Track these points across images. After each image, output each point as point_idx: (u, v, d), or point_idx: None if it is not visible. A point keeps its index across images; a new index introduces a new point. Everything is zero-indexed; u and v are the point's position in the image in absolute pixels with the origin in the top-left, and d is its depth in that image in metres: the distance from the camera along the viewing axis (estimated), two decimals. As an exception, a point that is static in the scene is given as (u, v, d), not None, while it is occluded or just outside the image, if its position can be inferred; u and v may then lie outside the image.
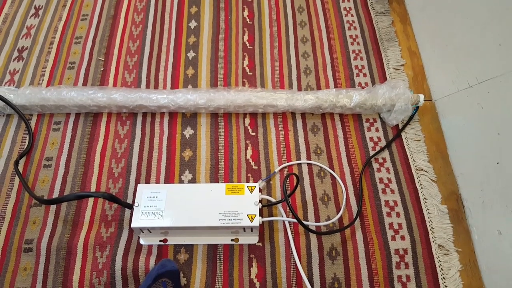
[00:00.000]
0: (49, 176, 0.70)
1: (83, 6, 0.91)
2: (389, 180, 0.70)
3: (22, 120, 0.75)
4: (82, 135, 0.74)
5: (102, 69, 0.82)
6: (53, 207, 0.67)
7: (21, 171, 0.70)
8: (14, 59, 0.83)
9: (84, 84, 0.80)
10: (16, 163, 0.70)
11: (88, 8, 0.91)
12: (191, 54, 0.84)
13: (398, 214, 0.67)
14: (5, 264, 0.62)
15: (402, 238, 0.65)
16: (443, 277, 0.62)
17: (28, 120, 0.75)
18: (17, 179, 0.69)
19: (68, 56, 0.84)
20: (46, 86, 0.79)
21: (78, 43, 0.85)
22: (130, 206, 0.62)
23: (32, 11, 0.91)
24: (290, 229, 0.64)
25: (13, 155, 0.72)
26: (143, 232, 0.62)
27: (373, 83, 0.80)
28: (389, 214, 0.66)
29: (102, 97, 0.73)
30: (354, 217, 0.65)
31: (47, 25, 0.88)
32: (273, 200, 0.66)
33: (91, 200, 0.68)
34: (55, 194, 0.68)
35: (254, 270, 0.62)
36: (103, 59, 0.83)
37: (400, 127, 0.74)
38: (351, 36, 0.86)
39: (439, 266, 0.63)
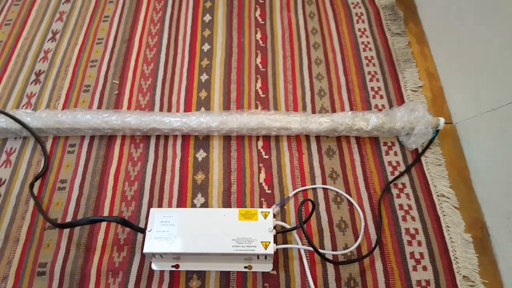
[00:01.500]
0: (63, 198, 0.70)
1: (98, 30, 0.92)
2: (410, 206, 0.67)
3: (38, 143, 0.76)
4: (96, 157, 0.74)
5: (116, 92, 0.82)
6: (66, 231, 0.67)
7: (36, 194, 0.70)
8: (31, 82, 0.85)
9: (99, 106, 0.80)
10: (32, 185, 0.70)
11: (103, 32, 0.92)
12: (204, 77, 0.84)
13: (419, 243, 0.64)
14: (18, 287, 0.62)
15: (424, 268, 0.62)
16: (469, 311, 0.59)
17: (44, 143, 0.75)
18: (32, 202, 0.70)
19: (84, 79, 0.85)
20: (62, 109, 0.80)
21: (93, 67, 0.86)
22: (143, 231, 0.61)
23: (50, 35, 0.93)
24: (306, 257, 0.62)
25: (28, 177, 0.72)
26: (155, 257, 0.61)
27: (390, 105, 0.78)
28: (410, 243, 0.64)
29: (116, 120, 0.73)
30: (373, 246, 0.63)
31: (63, 49, 0.90)
32: (287, 226, 0.64)
33: (104, 224, 0.67)
34: (69, 217, 0.68)
35: (268, 300, 0.60)
36: (118, 82, 0.84)
37: (420, 151, 0.72)
38: (366, 58, 0.85)
39: (465, 299, 0.59)
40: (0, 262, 0.64)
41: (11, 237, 0.66)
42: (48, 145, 0.76)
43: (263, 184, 0.70)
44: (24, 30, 0.94)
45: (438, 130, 0.71)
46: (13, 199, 0.70)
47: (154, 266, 0.63)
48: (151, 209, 0.62)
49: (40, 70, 0.87)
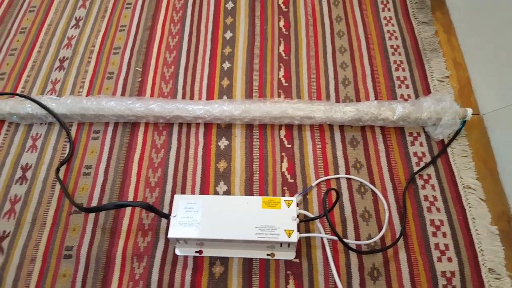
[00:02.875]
0: (88, 184, 0.71)
1: (121, 17, 0.93)
2: (435, 198, 0.66)
3: (63, 129, 0.77)
4: (120, 144, 0.75)
5: (139, 79, 0.83)
6: (92, 215, 0.68)
7: (61, 179, 0.71)
8: (55, 69, 0.86)
9: (122, 94, 0.81)
10: (57, 170, 0.71)
11: (126, 19, 0.92)
12: (226, 65, 0.84)
13: (444, 234, 0.63)
14: (45, 270, 0.64)
15: (449, 259, 0.61)
16: (494, 303, 0.58)
17: (69, 129, 0.77)
18: (58, 186, 0.71)
19: (107, 66, 0.85)
20: (86, 96, 0.81)
21: (116, 54, 0.87)
22: (167, 216, 0.62)
23: (73, 22, 0.93)
24: (329, 246, 0.62)
25: (54, 162, 0.74)
26: (179, 243, 0.62)
27: (416, 95, 0.77)
28: (434, 234, 0.63)
29: (140, 107, 0.73)
30: (397, 236, 0.62)
31: (87, 36, 0.91)
32: (310, 215, 0.64)
33: (128, 209, 0.68)
34: (94, 202, 0.69)
35: (291, 287, 0.60)
36: (141, 70, 0.84)
37: (446, 142, 0.71)
38: (392, 46, 0.83)
39: (490, 292, 0.59)
40: (28, 244, 0.66)
41: (38, 220, 0.68)
42: (73, 131, 0.77)
43: (286, 173, 0.70)
44: (48, 17, 0.95)
45: (465, 121, 0.70)
46: (40, 183, 0.71)
47: (178, 251, 0.64)
48: (175, 196, 0.63)
49: (64, 57, 0.88)
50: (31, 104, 0.76)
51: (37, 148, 0.75)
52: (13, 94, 0.80)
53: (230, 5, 0.93)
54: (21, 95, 0.78)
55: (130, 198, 0.69)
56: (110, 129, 0.77)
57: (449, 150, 0.71)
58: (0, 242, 0.66)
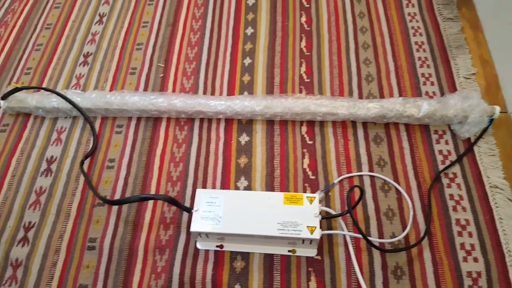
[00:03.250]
0: (112, 177, 0.72)
1: (144, 14, 0.94)
2: (461, 197, 0.65)
3: (87, 123, 0.78)
4: (143, 138, 0.76)
5: (161, 75, 0.84)
6: (115, 208, 0.69)
7: (85, 171, 0.72)
8: (80, 64, 0.87)
9: (145, 89, 0.82)
10: (82, 163, 0.72)
11: (148, 15, 0.93)
12: (247, 61, 0.84)
13: (470, 234, 0.62)
14: (69, 260, 0.65)
15: (475, 260, 0.60)
16: (522, 305, 0.57)
17: (93, 123, 0.78)
18: (82, 179, 0.72)
19: (130, 62, 0.86)
20: (109, 91, 0.82)
21: (139, 50, 0.88)
22: (189, 210, 0.63)
23: (97, 18, 0.95)
24: (352, 244, 0.62)
25: (78, 155, 0.75)
26: (200, 237, 0.62)
27: (442, 92, 0.75)
28: (460, 234, 0.62)
29: (163, 102, 0.74)
30: (422, 236, 0.61)
31: (110, 32, 0.92)
32: (333, 212, 0.64)
33: (151, 202, 0.69)
34: (117, 195, 0.70)
35: (313, 284, 0.60)
36: (163, 65, 0.85)
37: (473, 140, 0.69)
38: (416, 43, 0.82)
39: (517, 293, 0.58)
40: (52, 235, 0.67)
41: (63, 212, 0.69)
42: (96, 125, 0.78)
43: (307, 170, 0.70)
44: (72, 13, 0.97)
45: (492, 119, 0.68)
46: (64, 176, 0.73)
47: (199, 245, 0.64)
48: (198, 190, 0.63)
49: (88, 52, 0.89)
50: (57, 98, 0.77)
51: (62, 141, 0.77)
52: (39, 88, 0.81)
53: (251, 1, 0.93)
54: (47, 89, 0.80)
55: (152, 191, 0.70)
56: (133, 123, 0.78)
57: (475, 148, 0.69)
58: (26, 232, 0.68)
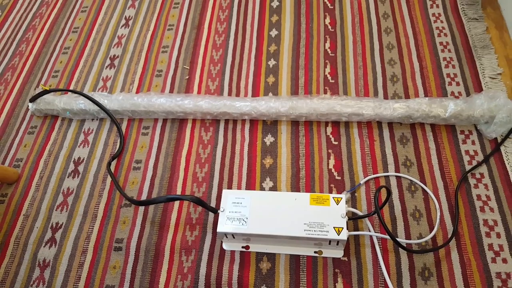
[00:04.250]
0: (138, 178, 0.73)
1: (169, 17, 0.95)
2: (488, 197, 0.64)
3: (114, 124, 0.80)
4: (169, 139, 0.77)
5: (187, 77, 0.85)
6: (141, 208, 0.70)
7: (112, 172, 0.74)
8: (106, 67, 0.89)
9: (171, 91, 0.83)
10: (109, 164, 0.74)
11: (174, 18, 0.95)
12: (271, 62, 0.84)
13: (498, 235, 0.61)
14: (96, 261, 0.66)
15: (504, 260, 0.59)
16: (552, 307, 0.56)
17: (119, 124, 0.79)
18: (109, 180, 0.74)
19: (156, 64, 0.88)
20: (136, 93, 0.84)
21: (165, 52, 0.89)
22: (215, 211, 0.63)
23: (123, 21, 0.97)
24: (379, 245, 0.62)
25: (105, 157, 0.76)
26: (226, 237, 0.63)
27: (467, 92, 0.75)
28: (488, 234, 0.61)
29: (188, 104, 0.75)
30: (449, 236, 0.61)
31: (136, 35, 0.94)
32: (359, 213, 0.64)
33: (177, 203, 0.70)
34: (144, 196, 0.71)
35: (340, 286, 0.60)
36: (188, 68, 0.86)
37: (499, 141, 0.69)
38: (441, 43, 0.81)
39: (548, 294, 0.57)
40: (79, 236, 0.68)
41: (90, 213, 0.70)
42: (123, 127, 0.79)
43: (333, 170, 0.70)
44: (99, 17, 0.99)
45: (520, 120, 0.68)
46: (91, 177, 0.74)
47: (225, 246, 0.65)
48: (224, 191, 0.64)
49: (114, 55, 0.91)
50: (84, 100, 0.79)
51: (89, 143, 0.78)
52: (67, 90, 0.83)
53: (275, 3, 0.94)
54: (74, 91, 0.81)
55: (178, 192, 0.71)
56: (159, 125, 0.79)
57: (502, 148, 0.69)
58: (53, 233, 0.69)
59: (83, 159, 0.76)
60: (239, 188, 0.70)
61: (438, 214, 0.64)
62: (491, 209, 0.64)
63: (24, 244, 0.68)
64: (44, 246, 0.68)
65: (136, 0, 1.00)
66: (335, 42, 0.85)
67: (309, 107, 0.72)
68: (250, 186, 0.70)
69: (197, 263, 0.63)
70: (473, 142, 0.70)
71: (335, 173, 0.70)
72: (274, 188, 0.69)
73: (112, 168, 0.74)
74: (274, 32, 0.89)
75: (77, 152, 0.78)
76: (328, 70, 0.82)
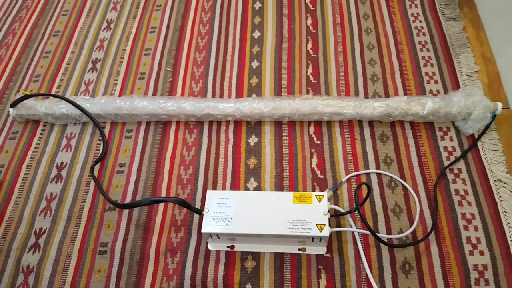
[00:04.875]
0: (122, 181, 0.73)
1: (151, 19, 0.95)
2: (466, 192, 0.66)
3: (96, 128, 0.79)
4: (152, 142, 0.77)
5: (170, 79, 0.85)
6: (126, 212, 0.70)
7: (96, 177, 0.73)
8: (88, 70, 0.89)
9: (154, 93, 0.83)
10: (92, 168, 0.73)
11: (156, 20, 0.95)
12: (255, 64, 0.85)
13: (476, 228, 0.63)
14: (81, 265, 0.66)
15: (481, 253, 0.61)
16: (529, 296, 0.58)
17: (102, 128, 0.79)
18: (92, 184, 0.73)
19: (139, 67, 0.88)
20: (118, 96, 0.83)
21: (147, 55, 0.89)
22: (200, 212, 0.64)
23: (105, 24, 0.96)
24: (360, 240, 0.63)
25: (88, 161, 0.76)
26: (211, 238, 0.63)
27: (445, 90, 0.77)
28: (466, 228, 0.63)
29: (172, 106, 0.75)
30: (428, 230, 0.63)
31: (118, 38, 0.93)
32: (341, 210, 0.65)
33: (161, 205, 0.70)
34: (128, 199, 0.71)
35: (323, 282, 0.61)
36: (171, 70, 0.86)
37: (476, 136, 0.71)
38: (420, 42, 0.83)
39: (524, 285, 0.59)
40: (64, 241, 0.68)
41: (73, 217, 0.70)
42: (106, 130, 0.79)
43: (315, 169, 0.71)
44: (80, 20, 0.98)
45: (495, 115, 0.70)
46: (74, 181, 0.74)
47: (210, 247, 0.65)
48: (208, 192, 0.64)
49: (96, 58, 0.90)
50: (66, 104, 0.79)
51: (72, 147, 0.78)
52: (48, 94, 0.82)
53: (257, 5, 0.95)
54: (56, 96, 0.81)
55: (163, 194, 0.71)
56: (143, 128, 0.79)
57: (479, 144, 0.70)
58: (37, 239, 0.69)
59: (66, 164, 0.76)
60: (223, 189, 0.70)
61: (418, 209, 0.65)
62: (469, 203, 0.65)
63: (7, 251, 0.68)
64: (27, 252, 0.67)
65: (118, 2, 1.00)
66: (317, 43, 0.86)
67: (291, 108, 0.73)
68: (234, 187, 0.71)
69: (182, 264, 0.64)
70: (451, 139, 0.72)
71: (318, 172, 0.71)
72: (258, 188, 0.70)
73: (96, 172, 0.74)
74: (257, 34, 0.90)
75: (59, 157, 0.77)
76: (310, 70, 0.83)
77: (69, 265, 0.66)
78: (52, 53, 0.92)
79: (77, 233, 0.68)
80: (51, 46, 0.94)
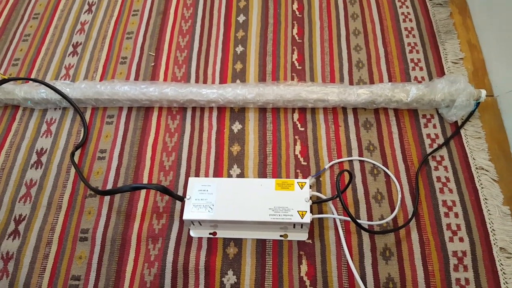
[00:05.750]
0: (103, 168, 0.72)
1: (134, 2, 0.93)
2: (447, 179, 0.66)
3: (77, 113, 0.78)
4: (134, 128, 0.76)
5: (153, 64, 0.83)
6: (107, 198, 0.69)
7: (76, 163, 0.72)
8: (69, 54, 0.87)
9: (136, 78, 0.81)
10: (72, 154, 0.72)
11: (138, 3, 0.92)
12: (239, 49, 0.84)
13: (456, 215, 0.64)
14: (61, 252, 0.65)
15: (461, 239, 0.62)
16: (506, 282, 0.58)
17: (83, 113, 0.77)
18: (73, 170, 0.72)
19: (120, 51, 0.86)
20: (100, 81, 0.82)
21: (129, 38, 0.87)
22: (182, 199, 0.63)
23: (86, 7, 0.94)
24: (341, 227, 0.63)
25: (69, 147, 0.75)
26: (193, 224, 0.63)
27: (430, 77, 0.76)
28: (446, 215, 0.64)
29: (154, 92, 0.74)
30: (409, 217, 0.63)
31: (99, 21, 0.91)
32: (323, 196, 0.64)
33: (143, 192, 0.69)
34: (109, 186, 0.70)
35: (304, 267, 0.61)
36: (154, 54, 0.84)
37: (460, 124, 0.71)
38: (406, 29, 0.82)
39: (501, 270, 0.59)
40: (44, 227, 0.67)
41: (54, 204, 0.69)
42: (87, 116, 0.77)
43: (299, 156, 0.71)
44: (60, 2, 0.95)
45: (479, 103, 0.69)
46: (55, 167, 0.73)
47: (192, 233, 0.65)
48: (190, 178, 0.64)
49: (77, 42, 0.88)
50: (46, 89, 0.77)
51: (52, 133, 0.76)
52: (27, 79, 0.80)
53: (242, -12, 0.94)
54: (35, 80, 0.79)
55: (145, 181, 0.70)
56: (124, 113, 0.77)
57: (462, 131, 0.71)
58: (16, 225, 0.68)
59: (46, 150, 0.74)
60: (206, 175, 0.70)
61: (399, 196, 0.65)
62: (450, 190, 0.66)
63: (-14, 237, 0.67)
64: (7, 239, 0.66)
65: (99, -15, 0.98)
66: (303, 28, 0.85)
67: (275, 94, 0.72)
68: (217, 174, 0.70)
69: (164, 251, 0.63)
70: (434, 126, 0.72)
71: (301, 159, 0.70)
72: (241, 175, 0.70)
73: (76, 158, 0.73)
74: (241, 18, 0.88)
75: (39, 143, 0.75)
76: (295, 56, 0.82)
77: (49, 252, 0.65)
78: (31, 36, 0.90)
79: (57, 219, 0.68)
80: (30, 29, 0.91)
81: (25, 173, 0.73)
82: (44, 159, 0.74)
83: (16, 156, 0.74)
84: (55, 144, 0.75)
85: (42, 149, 0.75)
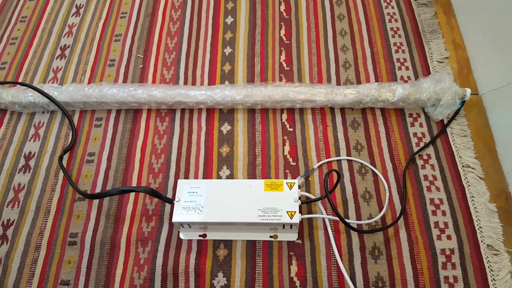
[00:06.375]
0: (92, 171, 0.72)
1: (122, 4, 0.93)
2: (434, 177, 0.67)
3: (65, 117, 0.77)
4: (123, 131, 0.75)
5: (141, 66, 0.83)
6: (96, 202, 0.69)
7: (65, 166, 0.72)
8: (57, 57, 0.86)
9: (124, 81, 0.81)
10: (61, 158, 0.72)
11: (127, 6, 0.92)
12: (227, 50, 0.84)
13: (444, 213, 0.64)
14: (50, 256, 0.64)
15: (448, 237, 0.62)
16: (493, 279, 0.59)
17: (71, 117, 0.77)
18: (61, 174, 0.71)
19: (108, 53, 0.85)
20: (88, 83, 0.81)
21: (117, 41, 0.87)
22: (171, 201, 0.63)
23: (74, 10, 0.93)
24: (331, 227, 0.63)
25: (57, 151, 0.74)
26: (183, 227, 0.63)
27: (416, 76, 0.77)
28: (434, 213, 0.64)
29: (142, 94, 0.74)
30: (397, 216, 0.63)
31: (87, 24, 0.91)
32: (312, 196, 0.65)
33: (132, 195, 0.69)
34: (98, 189, 0.70)
35: (294, 268, 0.61)
36: (142, 56, 0.84)
37: (446, 122, 0.71)
38: (392, 29, 0.83)
39: (489, 267, 0.60)
40: (32, 232, 0.66)
41: (42, 208, 0.69)
42: (75, 119, 0.77)
43: (288, 157, 0.71)
44: (48, 5, 0.95)
45: (464, 101, 0.70)
46: (43, 171, 0.72)
47: (182, 236, 0.65)
48: (179, 180, 0.64)
49: (65, 45, 0.88)
50: (33, 92, 0.76)
51: (40, 137, 0.76)
52: (14, 83, 0.80)
53: (229, -10, 0.94)
54: (23, 84, 0.78)
55: (134, 184, 0.70)
56: (113, 116, 0.77)
57: (448, 130, 0.71)
58: (4, 230, 0.67)
59: (34, 154, 0.74)
60: (196, 177, 0.70)
61: (387, 195, 0.66)
62: (437, 188, 0.66)
63: (-27, 243, 0.66)
64: (-6, 245, 0.66)
65: (86, -13, 0.97)
66: (290, 29, 0.86)
67: (263, 95, 0.72)
68: (207, 175, 0.70)
69: (153, 254, 0.63)
70: (421, 125, 0.72)
71: (290, 159, 0.70)
72: (231, 176, 0.70)
73: (65, 162, 0.72)
74: (230, 19, 0.88)
75: (27, 147, 0.75)
76: (283, 57, 0.82)
77: (38, 257, 0.64)
78: (19, 39, 0.89)
79: (46, 224, 0.67)
80: (18, 32, 0.90)
81: (13, 178, 0.72)
82: (32, 163, 0.73)
83: (4, 160, 0.74)
84: (43, 148, 0.75)
85: (30, 153, 0.74)
